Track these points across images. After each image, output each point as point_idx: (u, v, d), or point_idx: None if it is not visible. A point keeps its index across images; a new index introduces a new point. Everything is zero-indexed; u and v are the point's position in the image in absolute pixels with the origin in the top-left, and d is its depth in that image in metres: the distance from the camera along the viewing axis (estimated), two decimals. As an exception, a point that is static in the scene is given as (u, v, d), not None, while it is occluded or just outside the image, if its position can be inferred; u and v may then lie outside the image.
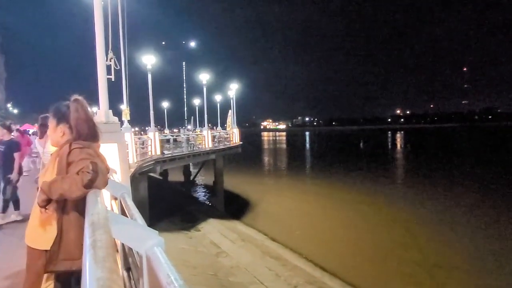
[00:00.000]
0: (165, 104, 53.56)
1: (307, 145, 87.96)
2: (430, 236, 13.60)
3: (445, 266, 10.93)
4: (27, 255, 2.00)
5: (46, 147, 4.55)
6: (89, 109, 2.11)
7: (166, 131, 42.25)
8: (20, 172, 6.12)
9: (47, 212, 1.86)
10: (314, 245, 12.59)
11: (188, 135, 20.75)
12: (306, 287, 9.13)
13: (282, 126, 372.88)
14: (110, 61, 7.12)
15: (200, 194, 24.69)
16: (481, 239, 13.08)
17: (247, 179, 28.38)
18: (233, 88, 29.98)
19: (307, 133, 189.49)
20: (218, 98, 32.49)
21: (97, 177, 1.74)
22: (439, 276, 10.30)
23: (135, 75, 16.49)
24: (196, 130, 26.43)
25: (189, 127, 53.85)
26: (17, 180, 6.09)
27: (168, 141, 18.12)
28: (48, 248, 1.89)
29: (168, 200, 19.05)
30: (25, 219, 5.64)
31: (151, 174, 15.70)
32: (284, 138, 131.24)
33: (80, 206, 1.83)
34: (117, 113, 6.49)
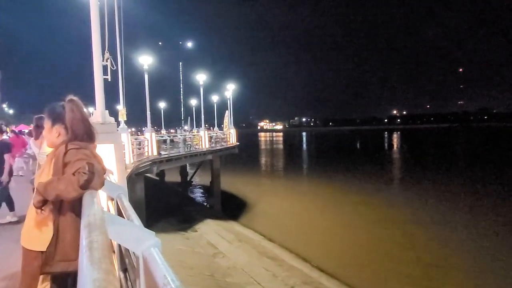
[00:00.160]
0: (162, 105, 53.56)
1: (304, 146, 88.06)
2: (427, 236, 13.64)
3: (442, 266, 10.97)
4: (23, 257, 1.98)
5: (42, 148, 4.54)
6: (84, 109, 2.11)
7: (163, 131, 42.20)
8: (10, 174, 6.08)
9: (43, 213, 1.85)
10: (311, 245, 12.60)
11: (185, 135, 20.72)
12: (303, 288, 9.14)
13: (279, 126, 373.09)
14: (107, 62, 7.11)
15: (197, 194, 24.66)
16: (477, 239, 13.15)
17: (244, 179, 28.37)
18: (230, 89, 29.98)
19: (304, 133, 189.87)
20: (215, 98, 32.50)
21: (93, 178, 1.73)
22: (436, 276, 10.34)
23: (131, 76, 16.47)
24: (193, 131, 26.38)
25: (186, 127, 53.81)
26: (8, 182, 6.04)
27: (165, 141, 18.09)
28: (44, 250, 1.88)
29: (165, 201, 19.01)
30: (20, 220, 5.62)
31: (148, 175, 15.65)
32: (281, 138, 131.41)
33: (76, 207, 1.82)
34: (114, 114, 6.48)
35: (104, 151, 4.95)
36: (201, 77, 23.86)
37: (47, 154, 2.18)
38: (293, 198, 21.49)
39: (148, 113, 15.62)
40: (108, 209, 2.78)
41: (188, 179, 26.21)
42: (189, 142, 19.40)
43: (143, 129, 23.16)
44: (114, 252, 2.40)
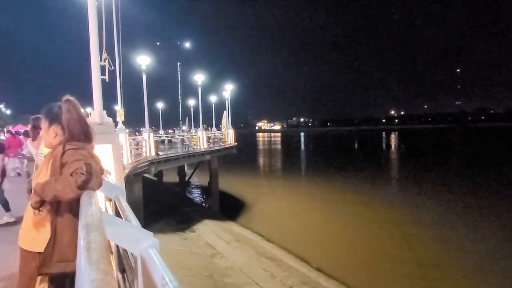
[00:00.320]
0: (160, 105, 53.44)
1: (302, 146, 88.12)
2: (425, 236, 13.68)
3: (441, 266, 11.00)
4: (20, 258, 1.98)
5: (40, 149, 4.52)
6: (81, 109, 2.10)
7: (161, 132, 42.15)
8: (3, 175, 6.05)
9: (40, 214, 1.84)
10: (310, 245, 12.61)
11: (183, 136, 20.70)
12: (301, 288, 9.15)
13: (277, 127, 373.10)
14: (104, 62, 7.09)
15: (195, 195, 24.64)
16: (476, 239, 13.18)
17: (242, 180, 28.37)
18: (228, 89, 29.99)
19: (302, 133, 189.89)
20: (213, 98, 32.51)
21: (91, 178, 1.72)
22: (435, 276, 10.36)
23: (129, 76, 16.43)
24: (191, 131, 26.36)
25: (184, 128, 53.77)
26: (1, 182, 6.01)
27: (162, 142, 18.07)
28: (42, 250, 1.87)
29: (162, 201, 18.99)
30: (18, 221, 5.60)
31: (146, 175, 15.62)
32: (279, 139, 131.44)
33: (74, 207, 1.82)
34: (112, 114, 6.47)
35: (102, 152, 4.95)
36: (199, 78, 23.85)
37: (44, 154, 2.17)
38: (291, 198, 21.50)
39: (146, 113, 15.60)
40: (106, 210, 2.77)
41: (186, 180, 26.18)
42: (187, 143, 19.38)
43: (141, 129, 23.16)
44: (112, 252, 2.39)
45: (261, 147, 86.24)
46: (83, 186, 1.70)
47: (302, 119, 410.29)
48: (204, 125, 23.04)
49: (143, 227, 1.46)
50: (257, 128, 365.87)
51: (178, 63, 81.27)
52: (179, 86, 77.02)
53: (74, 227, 1.76)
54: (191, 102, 42.02)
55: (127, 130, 13.16)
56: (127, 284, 2.07)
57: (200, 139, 20.21)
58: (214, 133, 24.34)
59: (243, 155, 42.90)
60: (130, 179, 10.86)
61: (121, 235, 1.36)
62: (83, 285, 0.76)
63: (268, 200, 20.85)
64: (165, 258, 1.06)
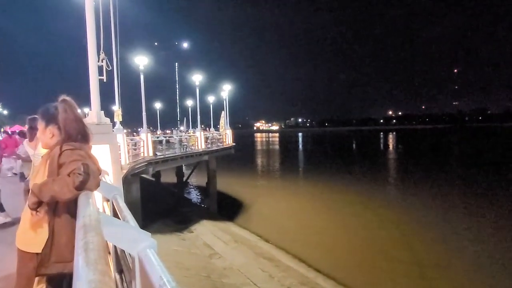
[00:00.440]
0: (158, 105, 53.28)
1: (300, 146, 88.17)
2: (423, 236, 13.72)
3: (439, 266, 11.03)
4: (18, 258, 1.97)
5: (37, 149, 4.51)
6: (77, 109, 2.10)
7: (159, 132, 42.04)
8: None
9: (38, 215, 1.84)
10: (308, 246, 12.62)
11: (181, 136, 20.68)
12: (299, 288, 9.15)
13: (275, 127, 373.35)
14: (102, 62, 7.07)
15: (193, 195, 24.62)
16: (474, 239, 13.23)
17: (240, 180, 28.37)
18: (226, 89, 29.93)
19: (300, 134, 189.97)
20: (211, 99, 32.43)
21: (88, 178, 1.72)
22: (433, 276, 10.39)
23: (127, 76, 16.36)
24: (189, 131, 26.31)
25: (182, 128, 53.66)
26: None
27: (160, 142, 18.04)
28: (40, 251, 1.87)
29: (160, 202, 18.97)
30: (14, 221, 5.58)
31: (144, 176, 15.59)
32: (277, 139, 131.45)
33: (71, 208, 1.81)
34: (109, 114, 6.45)
35: (100, 152, 4.94)
36: (197, 78, 23.83)
37: (42, 155, 2.16)
38: (290, 199, 21.51)
39: (144, 113, 15.58)
40: (103, 210, 2.76)
41: (184, 180, 26.15)
42: (185, 143, 19.37)
43: (139, 129, 23.10)
44: (109, 253, 2.38)
45: (259, 147, 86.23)
46: (81, 187, 1.69)
47: (300, 120, 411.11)
48: (202, 126, 23.01)
49: (141, 227, 1.45)
50: (255, 128, 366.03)
51: (176, 64, 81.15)
52: (177, 87, 76.95)
53: (72, 228, 1.75)
54: (189, 103, 41.95)
55: (125, 131, 13.14)
56: (124, 285, 2.06)
57: (198, 140, 20.19)
58: (212, 134, 24.32)
59: (241, 155, 42.90)
60: (128, 180, 10.85)
61: (119, 236, 1.36)
62: (81, 286, 0.76)
63: (266, 200, 20.86)
64: (163, 258, 1.06)
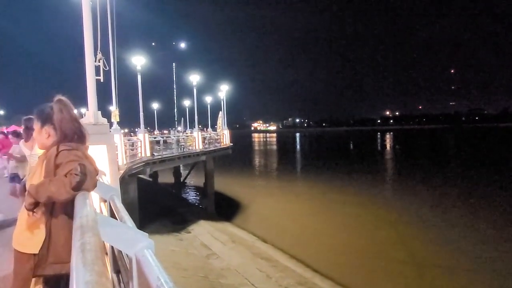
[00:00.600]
0: (155, 105, 53.29)
1: (298, 146, 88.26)
2: (421, 237, 13.74)
3: (437, 266, 11.06)
4: (15, 259, 1.96)
5: (34, 150, 4.49)
6: (73, 109, 2.09)
7: (156, 132, 41.96)
8: None
9: (35, 216, 1.83)
10: (305, 246, 12.63)
11: (178, 136, 20.66)
12: (297, 288, 9.15)
13: (273, 127, 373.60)
14: (99, 62, 7.05)
15: (191, 195, 24.58)
16: (473, 239, 13.26)
17: (238, 180, 28.36)
18: (224, 90, 29.94)
19: (297, 134, 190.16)
20: (208, 99, 32.43)
21: (85, 179, 1.71)
22: (431, 276, 10.42)
23: (124, 76, 16.38)
24: (187, 132, 26.27)
25: (179, 128, 53.60)
26: None
27: (158, 142, 18.01)
28: (37, 252, 1.86)
29: (158, 202, 18.94)
30: (8, 220, 5.55)
31: (141, 176, 15.57)
32: (275, 139, 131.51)
33: (68, 208, 1.81)
34: (106, 115, 6.44)
35: (97, 152, 4.92)
36: (194, 78, 23.82)
37: (38, 155, 2.16)
38: (287, 199, 21.51)
39: (141, 114, 15.55)
40: (100, 211, 2.76)
41: (181, 180, 26.14)
42: (183, 143, 19.34)
43: (136, 130, 23.04)
44: (107, 254, 2.38)
45: (256, 147, 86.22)
46: (78, 187, 1.69)
47: (297, 120, 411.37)
48: (200, 126, 23.01)
49: (138, 228, 1.45)
50: (252, 128, 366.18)
51: (174, 64, 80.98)
52: (175, 87, 76.87)
53: (69, 229, 1.75)
54: (187, 103, 41.91)
55: (122, 131, 13.11)
56: (122, 285, 2.06)
57: (196, 140, 20.18)
58: (210, 134, 24.31)
59: (239, 155, 42.88)
60: (125, 180, 10.82)
61: (116, 236, 1.36)
62: (78, 287, 0.76)
63: (263, 200, 20.86)
64: (160, 259, 1.06)
